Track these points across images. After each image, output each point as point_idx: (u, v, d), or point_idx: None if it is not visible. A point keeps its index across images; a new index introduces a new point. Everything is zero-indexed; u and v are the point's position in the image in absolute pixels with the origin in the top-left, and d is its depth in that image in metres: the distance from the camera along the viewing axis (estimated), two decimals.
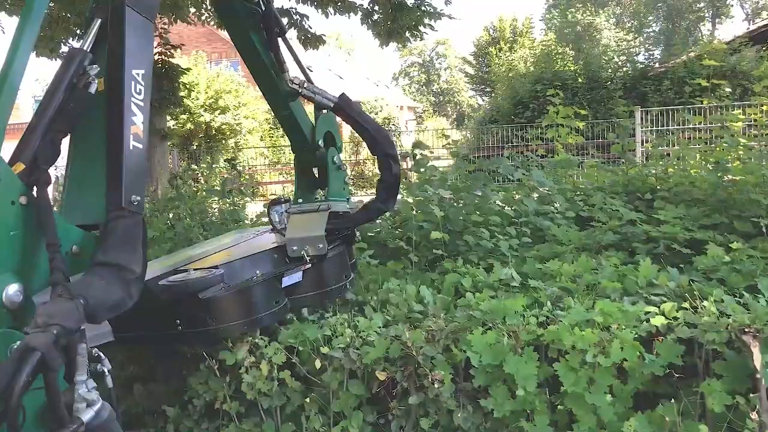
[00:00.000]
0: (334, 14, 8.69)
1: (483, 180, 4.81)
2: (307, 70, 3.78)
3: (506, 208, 4.73)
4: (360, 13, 8.82)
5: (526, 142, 13.83)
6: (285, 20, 9.11)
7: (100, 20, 2.32)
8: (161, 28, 9.29)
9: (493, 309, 2.96)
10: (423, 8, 8.49)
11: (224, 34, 21.99)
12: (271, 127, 24.23)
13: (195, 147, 19.44)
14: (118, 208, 2.21)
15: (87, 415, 1.92)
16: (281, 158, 22.74)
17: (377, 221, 4.95)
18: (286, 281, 3.25)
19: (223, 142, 20.85)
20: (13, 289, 1.92)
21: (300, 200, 3.68)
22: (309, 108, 3.74)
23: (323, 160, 3.64)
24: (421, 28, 8.78)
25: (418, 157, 4.95)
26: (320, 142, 3.63)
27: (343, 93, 3.63)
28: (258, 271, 3.14)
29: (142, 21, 2.39)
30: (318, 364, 3.06)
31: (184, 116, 18.37)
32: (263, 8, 3.30)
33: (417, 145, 5.01)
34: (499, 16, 44.67)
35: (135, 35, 2.34)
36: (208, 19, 9.94)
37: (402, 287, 3.57)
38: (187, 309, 2.90)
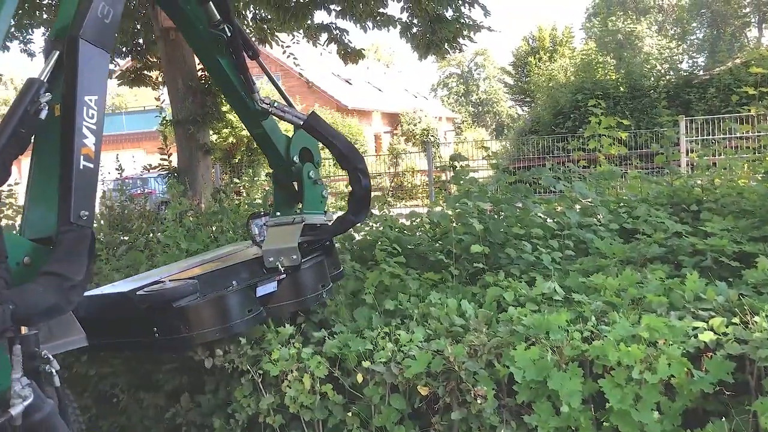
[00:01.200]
0: (373, 29, 8.76)
1: (523, 192, 4.77)
2: (284, 91, 3.96)
3: (548, 220, 4.69)
4: (398, 27, 8.87)
5: (567, 152, 13.67)
6: (325, 35, 9.23)
7: (58, 52, 2.58)
8: None
9: (536, 324, 2.93)
10: (462, 20, 8.50)
11: (265, 49, 22.35)
12: None
13: (236, 161, 19.70)
14: (66, 223, 2.44)
15: (17, 409, 2.12)
16: (320, 171, 22.92)
17: (417, 234, 5.00)
18: (261, 291, 3.40)
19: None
20: None
21: (278, 213, 3.85)
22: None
23: (299, 175, 3.77)
24: (460, 40, 8.79)
25: (457, 168, 4.94)
26: (295, 158, 3.78)
27: (312, 112, 3.82)
28: (234, 282, 3.31)
29: (96, 51, 2.61)
30: (360, 378, 3.07)
31: (226, 130, 18.63)
32: (228, 34, 3.40)
33: (455, 157, 5.01)
34: (539, 26, 44.30)
35: (88, 64, 2.57)
36: (250, 36, 10.12)
37: (443, 301, 3.56)
38: (162, 317, 3.09)
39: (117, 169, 8.20)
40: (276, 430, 3.28)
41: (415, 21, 8.70)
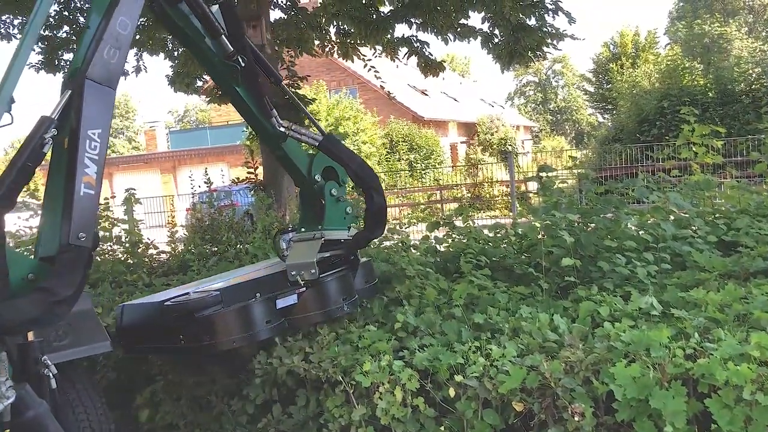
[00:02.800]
0: (454, 40, 8.75)
1: (615, 203, 4.64)
2: (310, 114, 4.25)
3: (640, 232, 4.54)
4: (479, 38, 8.83)
5: (653, 161, 13.21)
6: (405, 49, 9.29)
7: (70, 91, 2.88)
8: (288, 60, 9.72)
9: (635, 340, 2.83)
10: (545, 29, 8.38)
11: (343, 63, 22.73)
12: (388, 152, 24.63)
13: None
14: (65, 244, 2.72)
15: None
16: (397, 182, 23.02)
17: (502, 246, 4.94)
18: (281, 303, 3.65)
19: None
20: None
21: (303, 229, 4.05)
22: None
23: (321, 193, 3.98)
24: (544, 48, 8.67)
25: (543, 179, 4.86)
26: (317, 177, 4.00)
27: (329, 133, 4.02)
28: (258, 294, 3.61)
29: (101, 89, 2.92)
30: (452, 392, 3.05)
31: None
32: (242, 64, 3.57)
33: (543, 168, 4.92)
34: (621, 31, 43.06)
35: (93, 101, 2.88)
36: (331, 51, 10.32)
37: (534, 315, 3.50)
38: (186, 326, 3.42)
39: (206, 182, 8.48)
40: None
41: (497, 31, 8.65)
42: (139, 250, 7.19)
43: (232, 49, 3.54)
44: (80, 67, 2.93)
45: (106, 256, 7.17)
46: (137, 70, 10.96)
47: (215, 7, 3.52)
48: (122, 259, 7.06)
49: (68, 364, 3.31)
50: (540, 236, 4.39)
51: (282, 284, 3.79)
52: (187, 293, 3.64)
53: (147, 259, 7.02)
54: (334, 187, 4.03)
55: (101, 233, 7.30)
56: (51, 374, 2.82)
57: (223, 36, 3.51)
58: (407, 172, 23.64)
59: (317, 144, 3.92)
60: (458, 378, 3.03)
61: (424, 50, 9.25)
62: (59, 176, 2.88)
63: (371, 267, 4.28)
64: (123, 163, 34.68)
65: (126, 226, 7.78)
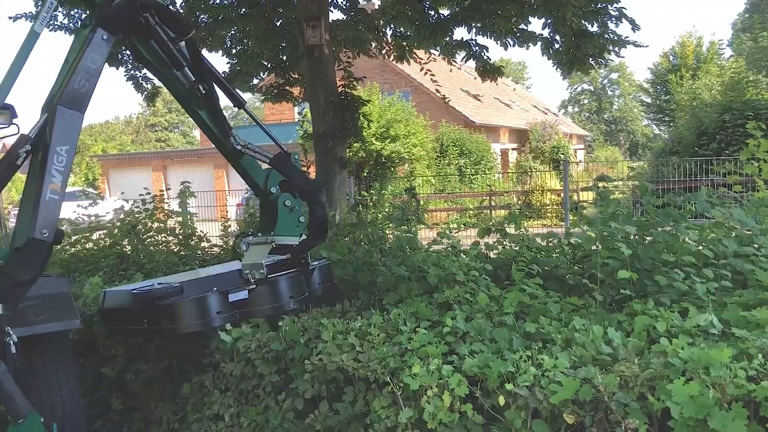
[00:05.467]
0: (513, 45, 8.68)
1: (675, 216, 4.52)
2: (271, 133, 4.65)
3: (700, 247, 4.41)
4: (539, 43, 8.74)
5: (712, 175, 12.83)
6: (463, 53, 9.26)
7: (47, 114, 3.44)
8: (345, 62, 9.79)
9: (694, 358, 2.75)
10: (607, 35, 8.23)
11: (396, 66, 22.77)
12: (438, 156, 24.57)
13: (365, 174, 20.16)
14: (30, 238, 3.23)
15: None
16: (446, 187, 22.94)
17: (554, 255, 4.88)
18: (232, 297, 4.19)
19: (392, 169, 21.44)
20: None
21: (259, 233, 4.56)
22: None
23: (274, 204, 4.46)
24: (606, 55, 8.51)
25: (600, 189, 4.77)
26: (272, 189, 4.52)
27: (279, 152, 4.53)
28: (215, 288, 4.17)
29: (70, 113, 3.45)
30: (502, 400, 3.02)
31: (356, 144, 19.14)
32: (203, 91, 4.10)
33: (601, 177, 4.84)
34: (682, 41, 41.93)
35: (63, 123, 3.41)
36: (388, 53, 10.35)
37: (587, 327, 3.44)
38: (150, 312, 4.05)
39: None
40: None
41: (557, 37, 8.54)
42: (192, 243, 7.34)
43: (193, 79, 4.06)
44: (56, 95, 3.49)
45: (161, 246, 7.34)
46: None
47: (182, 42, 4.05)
48: (175, 250, 7.22)
49: (41, 338, 3.93)
50: (595, 247, 4.32)
51: (236, 281, 4.35)
52: (152, 284, 4.28)
53: (199, 252, 7.15)
54: (288, 198, 4.49)
55: (155, 224, 7.49)
56: (12, 342, 3.46)
57: (185, 68, 4.04)
58: (456, 176, 23.52)
59: (268, 161, 4.49)
60: (508, 386, 3.00)
61: (482, 54, 9.20)
62: (32, 183, 3.41)
63: (329, 269, 4.87)
64: (177, 157, 35.46)
65: (180, 219, 7.96)
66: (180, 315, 4.03)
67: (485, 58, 9.28)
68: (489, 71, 9.37)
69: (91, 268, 6.87)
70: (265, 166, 4.60)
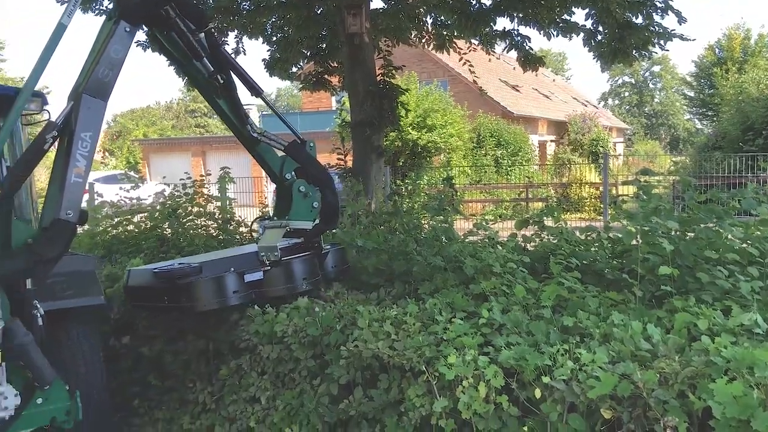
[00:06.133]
0: (556, 36, 8.55)
1: (719, 213, 4.43)
2: (286, 121, 4.84)
3: (744, 245, 4.31)
4: (582, 34, 8.59)
5: (758, 171, 12.51)
6: (506, 42, 9.16)
7: (72, 102, 3.60)
8: (385, 50, 9.77)
9: (738, 357, 2.70)
10: (652, 28, 8.05)
11: (434, 55, 22.60)
12: (474, 146, 24.39)
13: (400, 164, 20.12)
14: (55, 218, 3.41)
15: None
16: (482, 177, 22.77)
17: (592, 249, 4.82)
18: (248, 278, 4.36)
19: (428, 159, 21.36)
20: None
21: (275, 217, 4.75)
22: None
23: (289, 190, 4.63)
24: (650, 47, 8.33)
25: (642, 183, 4.69)
26: (287, 176, 4.69)
27: (294, 140, 4.72)
28: (232, 268, 4.33)
29: (94, 101, 3.62)
30: (538, 392, 3.00)
31: (393, 134, 19.10)
32: (221, 81, 4.27)
33: (645, 171, 4.77)
34: (729, 34, 40.76)
35: (87, 110, 3.58)
36: (428, 42, 10.28)
37: (626, 322, 3.40)
38: (170, 290, 4.29)
39: None
40: None
41: (601, 28, 8.38)
42: (231, 227, 7.44)
43: (212, 69, 4.23)
44: (81, 84, 3.66)
45: (200, 230, 7.46)
46: (236, 52, 11.21)
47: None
48: (214, 234, 7.34)
49: (67, 312, 4.15)
50: (636, 242, 4.26)
51: (253, 263, 4.50)
52: (173, 264, 4.54)
53: (238, 236, 7.25)
54: (302, 184, 4.64)
55: (196, 209, 7.61)
56: (39, 315, 3.65)
57: (204, 58, 4.21)
58: (493, 168, 23.33)
59: (283, 148, 4.65)
60: (545, 379, 2.98)
61: (524, 45, 9.09)
62: (58, 167, 3.58)
63: (343, 253, 5.06)
64: (216, 142, 35.81)
65: (219, 204, 8.07)
66: (198, 293, 4.23)
67: (527, 48, 9.17)
68: (531, 62, 9.25)
69: (132, 250, 7.03)
70: (280, 153, 4.74)
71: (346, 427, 3.90)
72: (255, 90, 4.56)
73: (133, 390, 5.38)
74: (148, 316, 5.27)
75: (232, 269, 4.35)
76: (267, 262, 4.46)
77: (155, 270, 4.45)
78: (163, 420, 5.09)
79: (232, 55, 10.94)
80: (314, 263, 4.63)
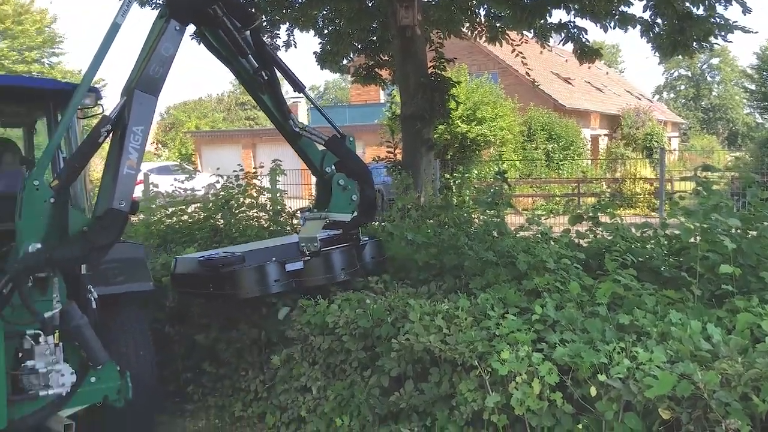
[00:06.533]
0: (614, 28, 8.36)
1: None
2: (327, 116, 4.91)
3: None
4: (639, 26, 8.38)
5: None
6: (561, 35, 9.01)
7: (125, 97, 3.76)
8: (437, 42, 9.72)
9: None
10: (714, 19, 7.80)
11: (485, 47, 22.37)
12: (525, 140, 24.10)
13: (449, 157, 19.99)
14: (109, 208, 3.54)
15: (49, 314, 3.56)
16: (532, 172, 22.49)
17: (648, 246, 4.71)
18: (289, 267, 4.51)
19: (477, 153, 21.18)
20: (34, 247, 3.52)
21: (315, 209, 4.86)
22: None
23: (329, 183, 4.74)
24: (712, 39, 8.08)
25: (702, 179, 4.56)
26: (327, 169, 4.78)
27: (334, 135, 4.84)
28: (273, 258, 4.50)
29: (145, 97, 3.75)
30: (593, 391, 2.96)
31: (441, 127, 18.99)
32: (265, 78, 4.40)
33: (706, 167, 4.62)
34: None
35: (139, 105, 3.71)
36: (479, 35, 10.19)
37: (684, 321, 3.32)
38: (215, 278, 4.49)
39: None
40: (499, 430, 3.28)
41: (660, 20, 8.16)
42: (281, 219, 7.53)
43: (257, 65, 4.37)
44: (133, 80, 3.81)
45: (252, 221, 7.58)
46: (287, 45, 11.33)
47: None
48: (265, 225, 7.43)
49: (118, 297, 4.34)
50: (694, 240, 4.14)
51: (293, 253, 4.66)
52: (217, 253, 4.77)
53: (288, 228, 7.33)
54: (341, 178, 4.74)
55: (248, 200, 7.73)
56: (93, 299, 3.84)
57: (249, 55, 4.35)
58: (544, 162, 23.01)
59: (324, 143, 4.78)
60: (601, 377, 2.94)
61: (580, 37, 8.91)
62: (112, 159, 3.73)
63: (380, 246, 5.19)
64: (266, 135, 36.23)
65: (270, 195, 8.17)
66: (241, 281, 4.40)
67: (583, 40, 8.99)
68: (587, 54, 9.08)
69: (186, 240, 7.18)
70: (321, 147, 4.85)
71: (397, 419, 3.92)
72: (297, 86, 4.70)
73: (187, 376, 5.52)
74: (202, 305, 5.39)
75: (274, 259, 4.51)
76: (307, 253, 4.61)
77: (200, 258, 4.68)
78: (215, 407, 5.21)
79: (283, 48, 11.24)
80: (352, 254, 4.78)
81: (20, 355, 3.62)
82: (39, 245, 3.54)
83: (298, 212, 5.28)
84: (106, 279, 4.20)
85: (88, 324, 3.66)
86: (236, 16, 4.25)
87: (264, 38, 10.78)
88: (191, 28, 4.33)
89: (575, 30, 8.92)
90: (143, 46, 3.95)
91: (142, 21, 4.26)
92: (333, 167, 4.82)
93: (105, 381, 3.84)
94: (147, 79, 3.79)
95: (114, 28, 3.80)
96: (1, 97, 4.87)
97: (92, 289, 3.89)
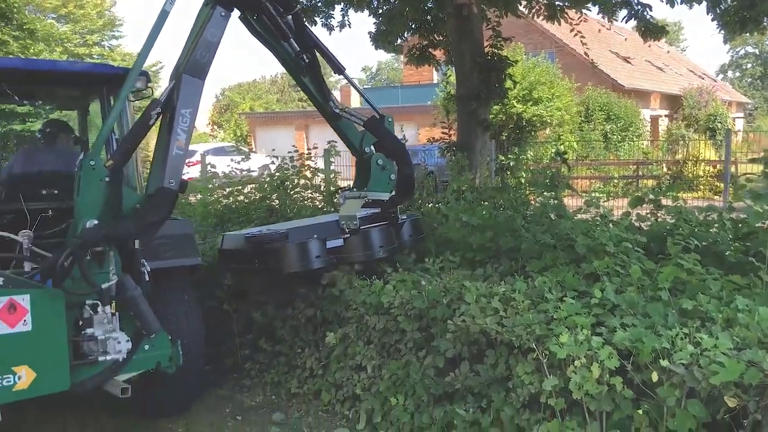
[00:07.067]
0: (680, 3, 8.05)
1: None
2: (367, 97, 5.01)
3: None
4: (705, 2, 8.05)
5: None
6: (625, 11, 8.73)
7: (174, 81, 3.96)
8: (494, 21, 9.55)
9: None
10: None
11: (541, 25, 21.89)
12: (582, 121, 23.58)
13: (503, 138, 19.73)
14: (160, 186, 3.82)
15: (106, 285, 3.77)
16: (590, 153, 22.00)
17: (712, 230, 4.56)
18: (330, 244, 4.69)
19: (532, 133, 20.82)
20: (91, 223, 3.75)
21: (354, 189, 5.03)
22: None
23: (368, 163, 4.91)
24: None
25: None
26: (366, 149, 4.96)
27: (373, 115, 4.96)
28: (315, 235, 4.68)
29: (193, 80, 3.96)
30: (655, 376, 2.90)
31: (496, 107, 18.71)
32: (306, 61, 4.59)
33: None
34: None
35: (187, 89, 3.92)
36: (538, 13, 9.97)
37: (752, 307, 3.21)
38: (260, 253, 4.68)
39: (402, 139, 8.67)
40: (556, 413, 3.25)
41: None
42: (335, 200, 7.59)
43: (298, 49, 4.55)
44: (181, 64, 4.00)
45: (306, 202, 7.66)
46: (341, 25, 11.32)
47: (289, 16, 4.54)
48: (320, 206, 7.51)
49: (169, 271, 4.50)
50: (762, 224, 4.00)
51: (334, 230, 4.84)
52: (262, 230, 4.95)
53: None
54: (380, 158, 4.90)
55: (303, 181, 7.81)
56: (146, 271, 4.06)
57: (291, 39, 4.52)
58: (601, 143, 22.48)
59: (363, 123, 4.91)
60: (663, 362, 2.87)
61: (645, 14, 8.62)
62: (162, 140, 3.94)
63: (419, 224, 5.32)
64: (318, 116, 36.39)
65: (323, 176, 8.24)
66: (284, 257, 4.58)
67: (648, 17, 8.68)
68: (652, 32, 8.76)
69: (243, 220, 7.31)
70: (360, 128, 4.99)
71: (451, 399, 3.93)
72: (337, 68, 4.87)
73: (245, 353, 5.64)
74: (260, 282, 5.50)
75: (315, 236, 4.68)
76: (347, 230, 4.76)
77: (246, 235, 4.86)
78: (271, 383, 5.31)
79: (338, 28, 11.25)
80: (390, 232, 4.88)
81: (80, 323, 3.85)
82: (96, 221, 3.76)
83: (339, 191, 5.43)
84: (157, 253, 4.38)
85: (142, 295, 3.89)
86: (278, 1, 4.44)
87: (318, 18, 10.86)
88: (236, 14, 4.42)
89: (639, 6, 8.62)
90: (190, 32, 4.13)
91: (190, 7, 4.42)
92: (372, 147, 4.97)
93: (157, 348, 4.07)
94: (194, 63, 3.99)
95: (163, 15, 3.97)
96: (58, 82, 5.16)
97: (145, 263, 4.09)
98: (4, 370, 3.43)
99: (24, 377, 3.49)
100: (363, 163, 5.01)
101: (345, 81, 5.13)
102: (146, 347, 4.01)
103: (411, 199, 5.51)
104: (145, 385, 4.25)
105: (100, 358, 3.83)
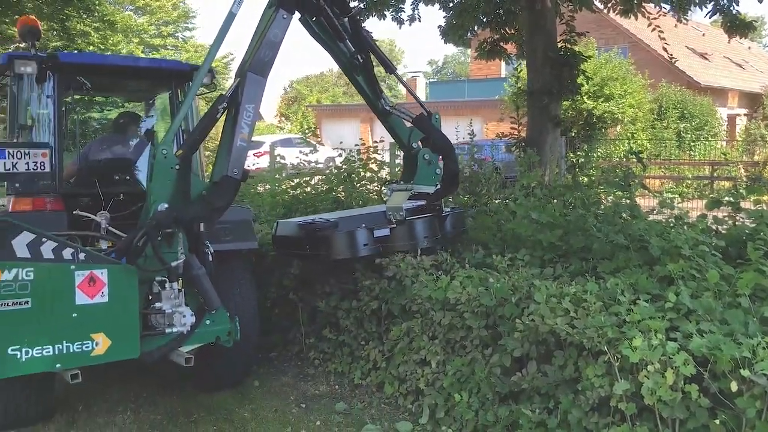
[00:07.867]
0: None
1: None
2: (414, 92, 5.44)
3: None
4: None
5: None
6: (711, 5, 8.37)
7: (239, 78, 4.24)
8: (568, 15, 9.35)
9: None
10: None
11: (614, 20, 21.24)
12: (655, 119, 22.86)
13: (573, 134, 19.29)
14: (224, 175, 4.10)
15: (174, 263, 4.10)
16: (662, 152, 21.30)
17: None
18: (377, 233, 4.94)
19: (603, 130, 20.30)
20: (163, 207, 4.02)
21: (401, 182, 5.27)
22: None
23: (415, 157, 5.14)
24: None
25: None
26: (414, 145, 5.22)
27: (420, 114, 5.20)
28: (363, 224, 4.93)
29: (256, 78, 4.24)
30: (734, 386, 2.80)
31: (566, 103, 18.29)
32: (360, 60, 4.87)
33: None
34: None
35: (251, 86, 4.21)
36: (613, 7, 9.69)
37: None
38: (311, 240, 4.96)
39: (469, 134, 8.62)
40: (626, 418, 3.18)
41: None
42: (382, 192, 7.60)
43: (353, 49, 4.84)
44: (246, 62, 4.28)
45: (371, 195, 7.70)
46: (411, 19, 11.29)
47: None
48: (384, 200, 7.53)
49: (229, 253, 4.84)
50: None
51: (381, 221, 5.09)
52: (314, 218, 5.25)
53: None
54: (427, 152, 5.15)
55: (368, 173, 7.86)
56: (209, 253, 4.41)
57: (347, 40, 4.82)
58: (675, 142, 21.73)
59: (411, 120, 5.17)
60: (744, 372, 2.77)
61: (731, 8, 8.24)
62: (227, 133, 4.21)
63: (461, 216, 5.58)
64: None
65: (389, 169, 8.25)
66: (334, 244, 4.86)
67: (734, 12, 8.28)
68: (738, 28, 8.36)
69: (310, 211, 7.40)
70: (408, 124, 5.24)
71: (517, 399, 3.90)
72: (389, 68, 5.16)
73: (309, 342, 5.73)
74: (325, 273, 5.58)
75: (364, 225, 4.93)
76: (393, 221, 4.98)
77: (299, 222, 5.18)
78: (335, 373, 5.39)
79: (408, 22, 11.23)
80: (434, 224, 5.11)
81: (150, 297, 4.21)
82: (167, 205, 4.05)
83: (386, 184, 5.73)
84: (218, 237, 4.72)
85: (206, 274, 4.23)
86: (335, 4, 4.76)
87: (388, 12, 10.85)
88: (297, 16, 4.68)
89: (725, 1, 8.23)
90: (254, 33, 4.41)
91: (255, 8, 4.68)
92: (419, 143, 5.22)
93: (218, 324, 4.41)
94: (258, 62, 4.27)
95: (230, 17, 4.25)
96: (132, 77, 5.66)
97: (208, 245, 4.45)
98: (84, 336, 3.75)
99: (101, 344, 3.81)
100: (410, 158, 5.24)
101: (407, 76, 5.29)
102: (208, 322, 4.35)
103: (455, 192, 5.89)
104: (204, 357, 4.55)
105: (167, 330, 4.18)
